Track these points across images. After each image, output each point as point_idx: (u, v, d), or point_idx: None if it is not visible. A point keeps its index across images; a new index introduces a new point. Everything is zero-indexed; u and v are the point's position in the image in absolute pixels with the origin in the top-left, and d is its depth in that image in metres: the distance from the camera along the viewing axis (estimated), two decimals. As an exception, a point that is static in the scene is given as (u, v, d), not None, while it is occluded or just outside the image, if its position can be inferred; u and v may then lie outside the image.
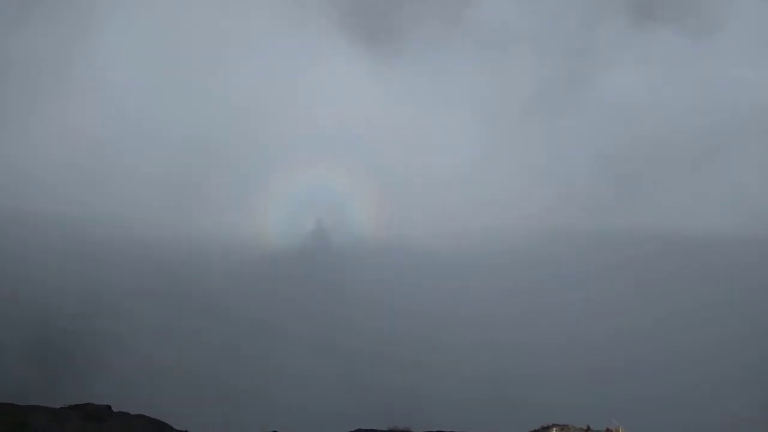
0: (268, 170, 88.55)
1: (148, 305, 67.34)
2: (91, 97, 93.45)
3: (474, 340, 66.69)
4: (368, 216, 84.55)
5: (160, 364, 59.02)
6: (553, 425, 12.04)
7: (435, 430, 17.11)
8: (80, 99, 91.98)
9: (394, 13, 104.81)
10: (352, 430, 17.68)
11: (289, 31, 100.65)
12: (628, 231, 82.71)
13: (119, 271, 72.92)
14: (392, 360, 61.22)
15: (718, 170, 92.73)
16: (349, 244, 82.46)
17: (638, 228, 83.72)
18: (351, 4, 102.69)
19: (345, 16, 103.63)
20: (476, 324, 69.06)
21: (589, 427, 11.83)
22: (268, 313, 69.36)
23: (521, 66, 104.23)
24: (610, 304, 72.34)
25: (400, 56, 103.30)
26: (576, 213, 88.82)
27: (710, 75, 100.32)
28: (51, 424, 17.58)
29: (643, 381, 59.18)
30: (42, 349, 60.27)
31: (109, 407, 18.36)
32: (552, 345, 69.13)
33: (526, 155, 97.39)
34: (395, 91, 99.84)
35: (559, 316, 72.88)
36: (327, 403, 50.83)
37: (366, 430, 17.49)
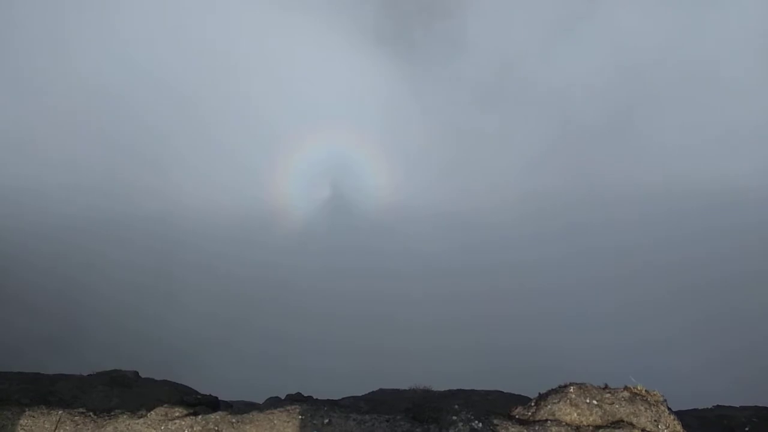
0: (279, 136, 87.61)
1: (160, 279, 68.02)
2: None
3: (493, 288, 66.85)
4: (383, 180, 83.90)
5: (176, 330, 60.04)
6: (571, 384, 12.16)
7: (455, 388, 17.41)
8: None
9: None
10: (374, 389, 18.07)
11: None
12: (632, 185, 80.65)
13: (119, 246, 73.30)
14: (405, 321, 61.76)
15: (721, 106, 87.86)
16: (365, 208, 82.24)
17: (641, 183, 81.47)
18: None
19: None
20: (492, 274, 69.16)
21: (606, 386, 11.96)
22: (280, 280, 69.92)
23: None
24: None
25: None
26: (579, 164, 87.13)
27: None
28: (78, 393, 17.66)
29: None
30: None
31: (136, 373, 18.54)
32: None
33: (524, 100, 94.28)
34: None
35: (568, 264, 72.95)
36: (345, 365, 51.61)
37: (387, 389, 17.83)
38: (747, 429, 14.05)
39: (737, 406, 17.34)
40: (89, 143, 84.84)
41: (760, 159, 79.37)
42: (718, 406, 17.28)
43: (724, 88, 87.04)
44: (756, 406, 16.97)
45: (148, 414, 12.91)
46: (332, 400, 17.28)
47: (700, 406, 17.21)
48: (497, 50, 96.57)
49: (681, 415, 12.39)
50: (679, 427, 11.60)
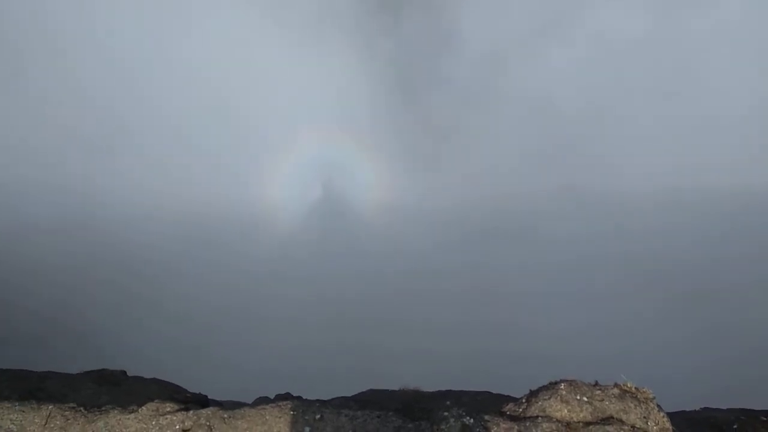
0: (266, 138, 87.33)
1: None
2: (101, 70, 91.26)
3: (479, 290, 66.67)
4: (373, 180, 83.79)
5: (167, 329, 59.51)
6: (562, 381, 12.24)
7: (444, 389, 17.41)
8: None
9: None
10: (364, 390, 18.03)
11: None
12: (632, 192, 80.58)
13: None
14: (398, 319, 61.51)
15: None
16: (355, 207, 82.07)
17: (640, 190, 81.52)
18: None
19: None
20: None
21: (597, 383, 12.04)
22: (274, 277, 69.56)
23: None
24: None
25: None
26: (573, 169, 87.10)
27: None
28: (67, 390, 17.57)
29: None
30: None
31: (124, 372, 18.47)
32: (557, 297, 69.31)
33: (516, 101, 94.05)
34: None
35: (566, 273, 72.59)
36: (334, 365, 51.40)
37: (377, 389, 17.80)
38: (735, 427, 14.17)
39: (724, 408, 17.47)
40: (73, 148, 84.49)
41: (756, 164, 79.77)
42: (705, 408, 17.40)
43: (714, 87, 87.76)
44: (743, 408, 17.10)
45: (139, 409, 12.85)
46: (322, 399, 17.24)
47: (688, 408, 17.33)
48: (486, 49, 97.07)
49: (669, 417, 12.48)
50: (668, 424, 11.70)
